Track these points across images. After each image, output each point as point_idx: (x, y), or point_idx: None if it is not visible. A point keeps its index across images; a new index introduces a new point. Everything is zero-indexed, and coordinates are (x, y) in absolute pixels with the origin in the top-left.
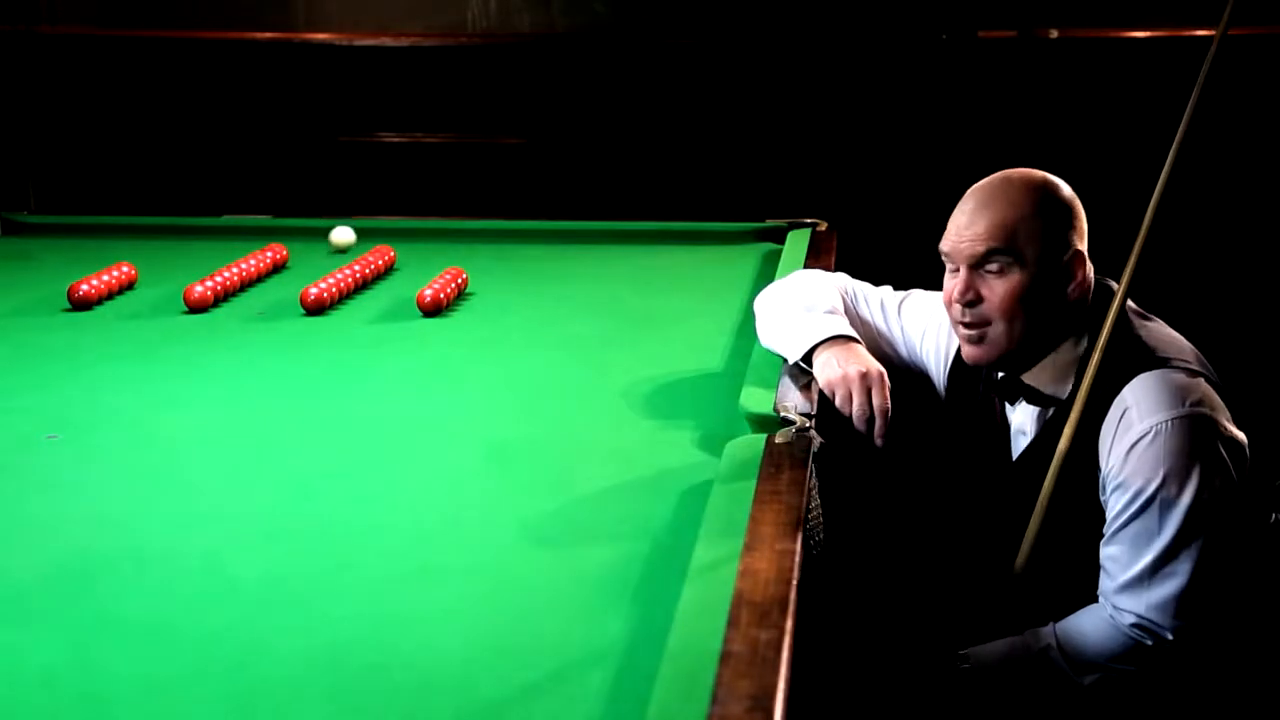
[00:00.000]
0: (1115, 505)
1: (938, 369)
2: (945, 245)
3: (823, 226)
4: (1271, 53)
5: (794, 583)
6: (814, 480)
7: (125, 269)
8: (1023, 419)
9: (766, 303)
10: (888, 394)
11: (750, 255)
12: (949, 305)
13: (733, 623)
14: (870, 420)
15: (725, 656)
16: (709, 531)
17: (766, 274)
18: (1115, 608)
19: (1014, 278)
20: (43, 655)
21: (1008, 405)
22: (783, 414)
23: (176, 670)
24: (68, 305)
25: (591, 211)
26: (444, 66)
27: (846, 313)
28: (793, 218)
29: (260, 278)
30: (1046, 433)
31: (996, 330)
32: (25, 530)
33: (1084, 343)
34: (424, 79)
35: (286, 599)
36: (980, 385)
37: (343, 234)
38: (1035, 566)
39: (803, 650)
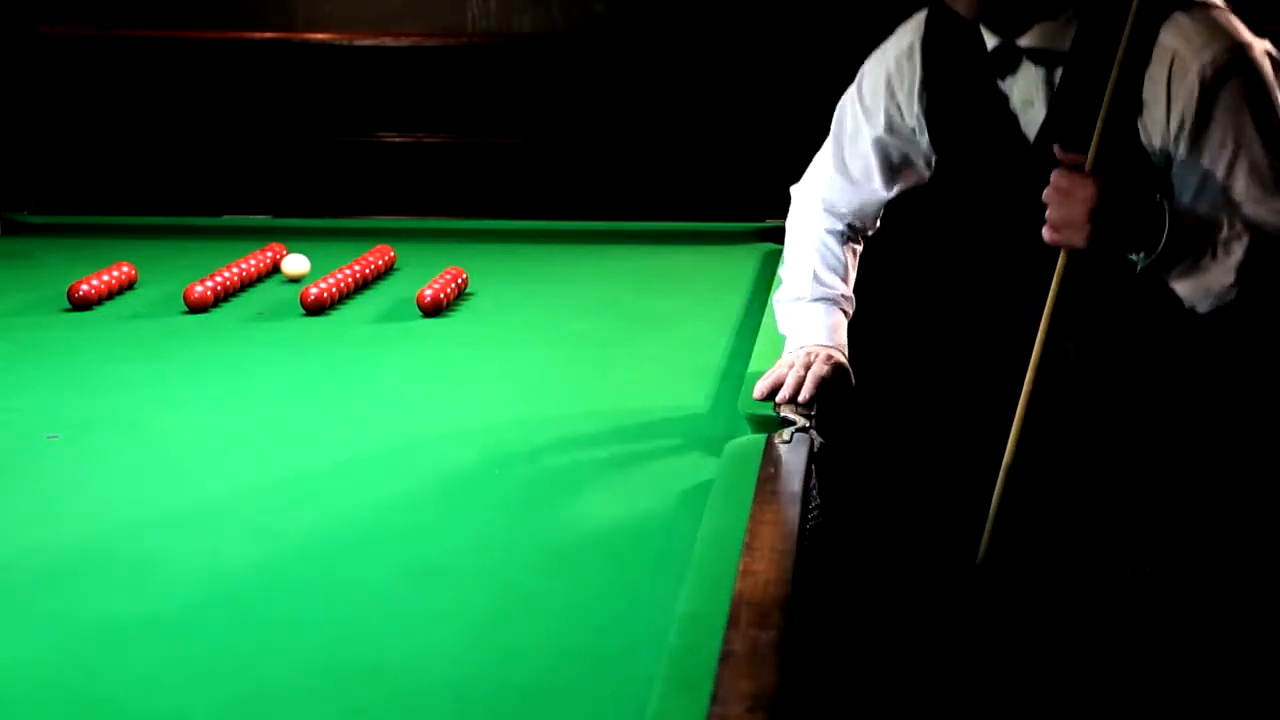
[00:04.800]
0: (1208, 150)
1: (917, 129)
2: None
3: None
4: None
5: (794, 583)
6: (814, 480)
7: (125, 269)
8: (1026, 89)
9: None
10: (814, 387)
11: (750, 255)
12: None
13: (733, 623)
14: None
15: (725, 656)
16: (709, 531)
17: (766, 274)
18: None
19: None
20: (42, 655)
21: (1001, 83)
22: (783, 414)
23: (176, 670)
24: (68, 305)
25: (591, 211)
26: (444, 66)
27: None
28: None
29: (260, 278)
30: (1062, 99)
31: None
32: (25, 530)
33: None
34: (424, 79)
35: (286, 599)
36: (969, 82)
37: (296, 263)
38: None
39: (803, 650)
